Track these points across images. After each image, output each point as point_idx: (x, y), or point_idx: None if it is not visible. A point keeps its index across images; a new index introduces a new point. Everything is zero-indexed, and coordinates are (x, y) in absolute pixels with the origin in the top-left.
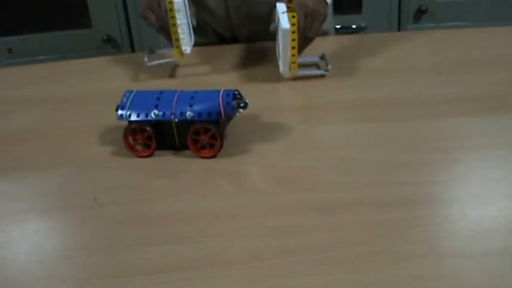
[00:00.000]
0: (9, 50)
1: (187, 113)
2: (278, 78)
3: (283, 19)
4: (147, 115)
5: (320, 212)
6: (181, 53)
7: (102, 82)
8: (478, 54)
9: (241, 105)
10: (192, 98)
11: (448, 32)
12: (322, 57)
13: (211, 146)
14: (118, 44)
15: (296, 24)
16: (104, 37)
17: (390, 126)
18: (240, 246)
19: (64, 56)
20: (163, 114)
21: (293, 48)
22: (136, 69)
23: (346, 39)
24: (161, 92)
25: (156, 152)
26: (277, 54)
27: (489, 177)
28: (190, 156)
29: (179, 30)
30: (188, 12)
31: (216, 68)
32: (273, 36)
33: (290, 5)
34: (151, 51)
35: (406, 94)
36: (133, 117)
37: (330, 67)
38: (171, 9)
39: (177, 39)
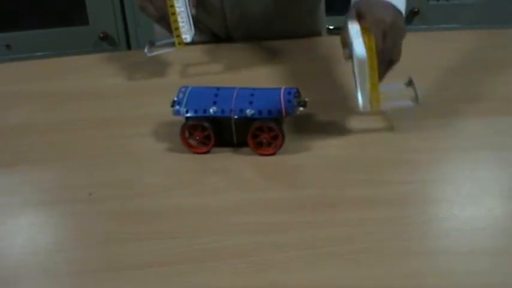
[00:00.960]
0: (8, 46)
1: (247, 110)
2: (280, 77)
3: (358, 44)
4: (205, 111)
5: (310, 209)
6: (182, 42)
7: (98, 79)
8: (469, 57)
9: (301, 103)
10: (252, 95)
11: (440, 34)
12: (409, 83)
13: (270, 144)
14: (114, 42)
15: (374, 48)
16: (101, 34)
17: (377, 125)
18: (231, 242)
19: (61, 52)
20: (222, 110)
21: (373, 78)
22: (133, 66)
23: (339, 40)
24: (218, 89)
25: (155, 148)
26: (354, 86)
27: (478, 177)
28: (184, 152)
29: (178, 19)
30: (187, 1)
31: (222, 67)
32: (269, 36)
33: (366, 25)
34: (151, 43)
35: (399, 94)
36: (191, 113)
37: (419, 96)
38: None
39: (177, 28)
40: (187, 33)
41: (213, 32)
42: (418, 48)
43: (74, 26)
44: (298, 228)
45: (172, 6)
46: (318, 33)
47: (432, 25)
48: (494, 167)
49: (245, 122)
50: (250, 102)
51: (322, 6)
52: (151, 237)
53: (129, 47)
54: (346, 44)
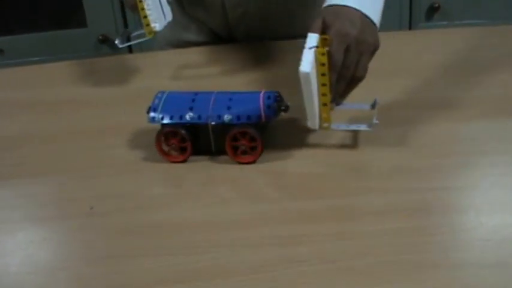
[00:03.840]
0: (0, 51)
1: (225, 116)
2: (283, 80)
3: (305, 58)
4: (181, 117)
5: (328, 220)
6: (152, 31)
7: (97, 85)
8: (493, 54)
9: (282, 108)
10: (230, 100)
11: (461, 31)
12: (373, 106)
13: (251, 150)
14: (115, 44)
15: (326, 64)
16: (100, 37)
17: (402, 129)
18: (242, 257)
19: (58, 57)
20: (199, 116)
21: (324, 95)
22: (134, 71)
23: None
24: (196, 94)
25: (156, 159)
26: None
27: (506, 184)
28: (190, 162)
29: (145, 6)
30: None
31: (220, 69)
32: (271, 35)
33: (326, 36)
34: (125, 34)
35: (418, 96)
36: (167, 120)
37: (376, 121)
38: None
39: (145, 17)
40: (156, 21)
41: (213, 31)
42: (436, 45)
43: (71, 28)
44: (310, 241)
45: None
46: None
47: (454, 21)
48: None
49: (223, 128)
50: (228, 108)
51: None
52: (155, 253)
53: (130, 49)
54: None
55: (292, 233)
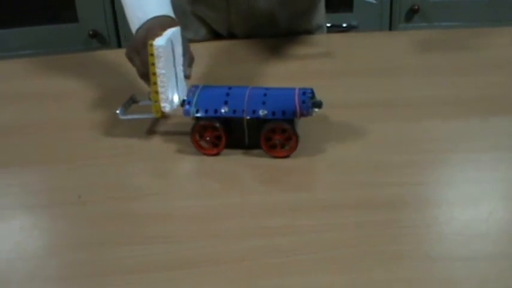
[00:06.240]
0: None
1: (260, 111)
2: (280, 76)
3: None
4: (216, 111)
5: (308, 212)
6: (160, 111)
7: (87, 78)
8: (468, 56)
9: (317, 104)
10: (265, 95)
11: (439, 33)
12: None
13: (283, 146)
14: (104, 39)
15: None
16: (90, 32)
17: (378, 127)
18: (228, 246)
19: (49, 51)
20: (234, 111)
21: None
22: (123, 65)
23: (336, 37)
24: (230, 88)
25: (145, 149)
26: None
27: (479, 179)
28: (177, 153)
29: (158, 82)
30: (176, 61)
31: (222, 65)
32: (271, 32)
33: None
34: (133, 101)
35: (395, 95)
36: (202, 113)
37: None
38: (151, 54)
39: (156, 92)
40: (166, 101)
41: (213, 29)
42: (413, 47)
43: (63, 23)
44: (295, 232)
45: (153, 64)
46: (320, 29)
47: (432, 23)
48: (496, 168)
49: (258, 123)
50: (263, 103)
51: (323, 1)
52: (143, 241)
53: (119, 44)
54: None
55: (276, 224)
